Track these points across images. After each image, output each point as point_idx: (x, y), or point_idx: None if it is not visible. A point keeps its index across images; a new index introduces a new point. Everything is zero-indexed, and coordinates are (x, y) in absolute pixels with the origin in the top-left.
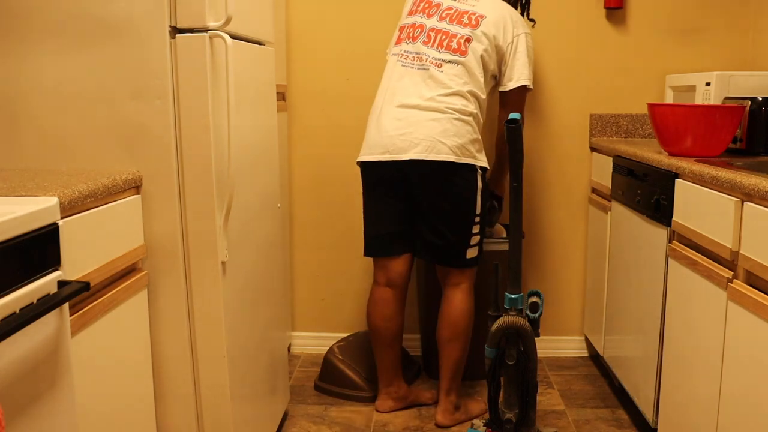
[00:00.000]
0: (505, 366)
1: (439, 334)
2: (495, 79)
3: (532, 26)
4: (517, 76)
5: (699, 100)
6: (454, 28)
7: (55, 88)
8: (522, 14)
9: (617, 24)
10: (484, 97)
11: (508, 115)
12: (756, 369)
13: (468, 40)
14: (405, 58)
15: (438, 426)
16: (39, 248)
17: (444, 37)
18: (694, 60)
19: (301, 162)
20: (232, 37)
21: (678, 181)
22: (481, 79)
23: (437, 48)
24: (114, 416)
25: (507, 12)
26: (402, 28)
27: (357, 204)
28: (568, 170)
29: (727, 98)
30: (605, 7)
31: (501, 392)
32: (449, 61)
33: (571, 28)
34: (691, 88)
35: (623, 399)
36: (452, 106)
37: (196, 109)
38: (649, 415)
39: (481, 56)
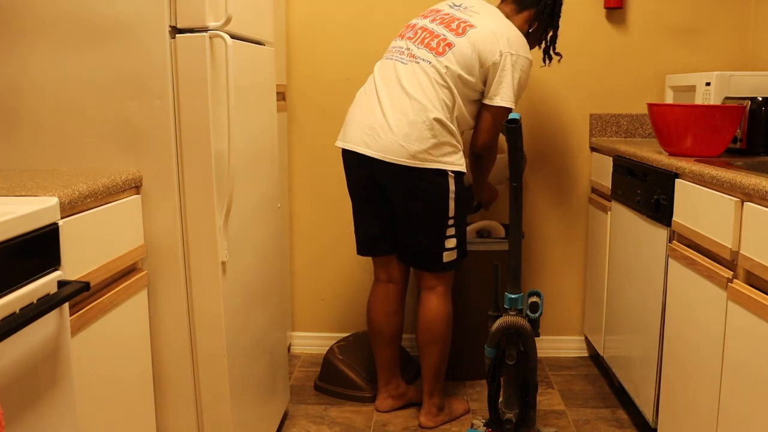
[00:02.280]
0: (505, 366)
1: (417, 338)
2: (481, 88)
3: (558, 60)
4: (499, 95)
5: (699, 100)
6: (440, 30)
7: (55, 88)
8: (548, 48)
9: (617, 24)
10: (458, 102)
11: (479, 130)
12: (756, 369)
13: (449, 44)
14: (391, 53)
15: (422, 427)
16: (39, 248)
17: (427, 35)
18: (694, 60)
19: (301, 162)
20: (232, 37)
21: (678, 181)
22: (455, 84)
23: (417, 44)
24: (114, 416)
25: (504, 30)
26: (404, 27)
27: None
28: (568, 170)
29: (727, 98)
30: (605, 7)
31: (501, 392)
32: (425, 59)
33: (571, 28)
34: (691, 88)
35: (623, 399)
36: (417, 108)
37: (196, 109)
38: (649, 415)
39: (458, 62)
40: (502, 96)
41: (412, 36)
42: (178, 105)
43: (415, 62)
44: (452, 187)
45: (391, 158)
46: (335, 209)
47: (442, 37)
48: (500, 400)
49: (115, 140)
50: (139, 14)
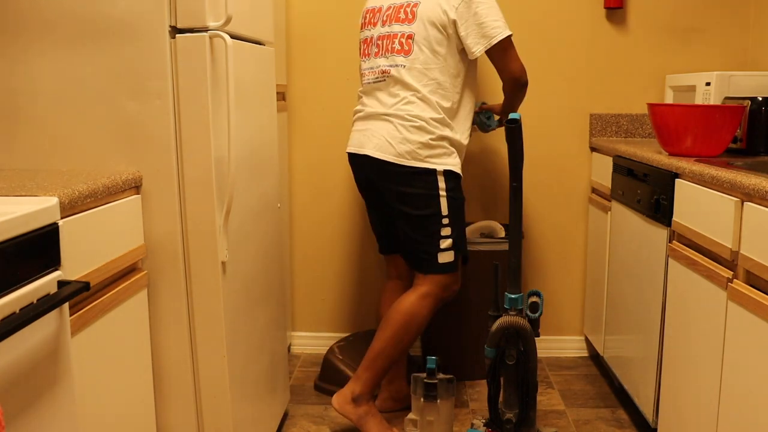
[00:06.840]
0: (505, 366)
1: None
2: (457, 56)
3: None
4: (490, 33)
5: (699, 100)
6: (395, 28)
7: (55, 88)
8: None
9: (617, 24)
10: (449, 84)
11: (505, 69)
12: (756, 369)
13: (410, 36)
14: (365, 76)
15: (336, 409)
16: (39, 248)
17: (388, 41)
18: (694, 60)
19: (301, 162)
20: (232, 37)
21: (678, 181)
22: (438, 69)
23: (385, 55)
24: (114, 416)
25: None
26: (360, 45)
27: (357, 204)
28: (568, 170)
29: (727, 98)
30: (605, 7)
31: (501, 392)
32: (397, 65)
33: (571, 28)
34: (691, 88)
35: (623, 399)
36: (404, 112)
37: (196, 109)
38: (649, 415)
39: (426, 46)
40: (493, 30)
41: (377, 51)
42: (178, 105)
43: (389, 76)
44: (442, 185)
45: (380, 155)
46: (335, 209)
47: (401, 34)
48: (500, 400)
49: (115, 140)
50: (139, 14)
